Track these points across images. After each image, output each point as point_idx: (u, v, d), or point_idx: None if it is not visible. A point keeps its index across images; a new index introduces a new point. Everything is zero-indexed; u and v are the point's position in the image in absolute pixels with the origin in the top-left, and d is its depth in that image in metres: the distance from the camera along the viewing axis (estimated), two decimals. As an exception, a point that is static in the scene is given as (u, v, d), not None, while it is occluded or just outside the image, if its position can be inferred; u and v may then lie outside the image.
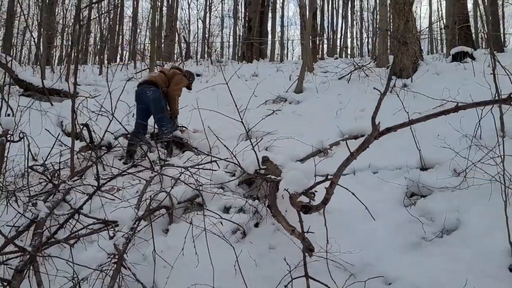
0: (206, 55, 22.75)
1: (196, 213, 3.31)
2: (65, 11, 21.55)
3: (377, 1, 19.05)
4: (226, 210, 3.62)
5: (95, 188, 2.99)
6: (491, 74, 4.06)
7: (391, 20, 9.26)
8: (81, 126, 4.98)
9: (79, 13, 4.97)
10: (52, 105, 8.43)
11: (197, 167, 3.96)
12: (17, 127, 3.73)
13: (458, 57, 8.79)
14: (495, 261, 2.62)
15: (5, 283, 2.21)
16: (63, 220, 3.13)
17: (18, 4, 17.38)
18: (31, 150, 4.86)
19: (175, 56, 21.14)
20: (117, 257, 2.47)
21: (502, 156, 2.85)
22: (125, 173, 3.34)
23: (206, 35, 24.97)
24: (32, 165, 4.07)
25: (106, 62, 19.38)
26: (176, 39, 21.57)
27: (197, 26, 28.34)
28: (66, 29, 21.58)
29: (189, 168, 3.77)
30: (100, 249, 2.54)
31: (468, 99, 4.61)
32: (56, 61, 22.40)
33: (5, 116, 3.57)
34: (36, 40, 16.49)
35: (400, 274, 2.66)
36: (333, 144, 4.77)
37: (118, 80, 10.97)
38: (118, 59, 23.51)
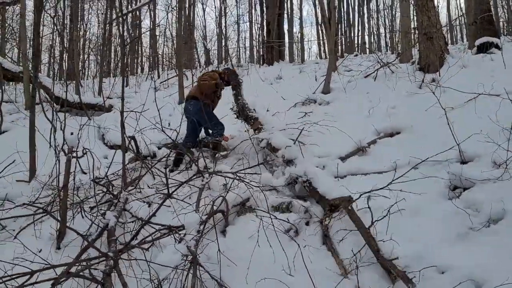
0: (224, 61, 23.14)
1: (259, 215, 3.53)
2: (85, 26, 22.26)
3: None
4: (276, 209, 3.85)
5: (165, 196, 3.26)
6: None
7: (413, 16, 9.31)
8: (129, 139, 5.30)
9: (122, 28, 5.23)
10: (89, 119, 8.83)
11: (243, 172, 4.19)
12: (79, 144, 4.05)
13: (484, 48, 8.80)
14: (543, 247, 2.77)
15: (100, 285, 2.48)
16: (132, 228, 3.41)
17: (51, 21, 18.05)
18: (80, 164, 5.22)
19: (195, 63, 21.60)
20: (190, 257, 2.72)
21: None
22: (189, 181, 3.59)
23: (223, 40, 25.39)
24: (93, 178, 4.38)
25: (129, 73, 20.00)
26: (195, 46, 22.06)
27: (215, 32, 28.70)
28: (89, 43, 22.28)
29: (237, 174, 4.01)
30: (174, 251, 2.80)
31: (502, 92, 4.74)
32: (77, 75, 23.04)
33: (69, 135, 3.88)
34: (65, 55, 17.05)
35: (452, 263, 2.83)
36: (371, 142, 4.95)
37: (146, 91, 11.39)
38: (139, 70, 24.14)
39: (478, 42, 9.22)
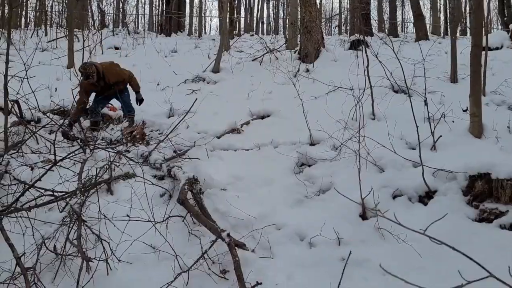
0: (122, 25, 22.29)
1: (134, 180, 4.04)
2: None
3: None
4: (154, 177, 4.40)
5: (52, 162, 3.57)
6: (365, 69, 5.25)
7: (299, 9, 10.24)
8: (12, 102, 5.31)
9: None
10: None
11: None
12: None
13: (355, 45, 10.13)
14: (352, 210, 3.75)
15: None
16: (14, 190, 3.67)
17: None
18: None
19: (89, 24, 20.46)
20: (75, 216, 3.16)
21: (362, 136, 3.98)
22: (72, 156, 3.89)
23: (121, 2, 24.32)
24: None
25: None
26: (89, 5, 20.85)
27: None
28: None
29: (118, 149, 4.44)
30: (58, 212, 3.21)
31: (355, 87, 5.73)
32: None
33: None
34: None
35: (287, 222, 3.68)
36: (244, 123, 5.69)
37: (31, 49, 10.67)
38: (23, 24, 22.03)
39: (351, 38, 10.56)
